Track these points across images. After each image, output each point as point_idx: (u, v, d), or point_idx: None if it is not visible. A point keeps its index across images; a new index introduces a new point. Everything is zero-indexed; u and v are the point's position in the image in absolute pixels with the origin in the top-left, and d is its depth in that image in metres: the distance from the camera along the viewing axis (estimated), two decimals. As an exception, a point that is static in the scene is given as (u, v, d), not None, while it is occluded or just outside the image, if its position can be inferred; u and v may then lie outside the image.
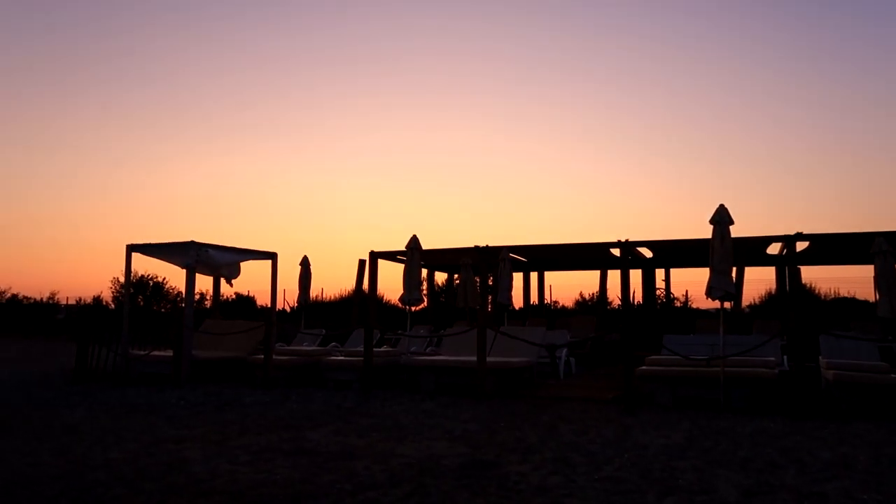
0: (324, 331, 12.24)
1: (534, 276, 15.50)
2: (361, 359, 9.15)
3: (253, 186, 31.82)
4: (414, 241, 9.58)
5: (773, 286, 14.78)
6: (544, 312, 15.18)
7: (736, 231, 7.19)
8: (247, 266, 10.60)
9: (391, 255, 10.82)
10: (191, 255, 8.91)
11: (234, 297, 22.84)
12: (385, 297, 19.06)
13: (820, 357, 7.89)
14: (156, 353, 9.53)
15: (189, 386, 8.64)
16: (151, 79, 27.62)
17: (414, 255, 9.53)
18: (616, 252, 11.23)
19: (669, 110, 26.86)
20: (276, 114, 29.44)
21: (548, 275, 15.52)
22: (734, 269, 7.23)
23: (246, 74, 28.17)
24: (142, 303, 22.96)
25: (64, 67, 27.33)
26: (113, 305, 24.30)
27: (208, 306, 23.40)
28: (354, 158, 30.89)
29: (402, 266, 10.26)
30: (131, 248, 9.67)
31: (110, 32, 25.86)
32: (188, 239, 9.12)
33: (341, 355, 10.28)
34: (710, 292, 6.83)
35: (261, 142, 30.11)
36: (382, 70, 27.83)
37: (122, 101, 28.55)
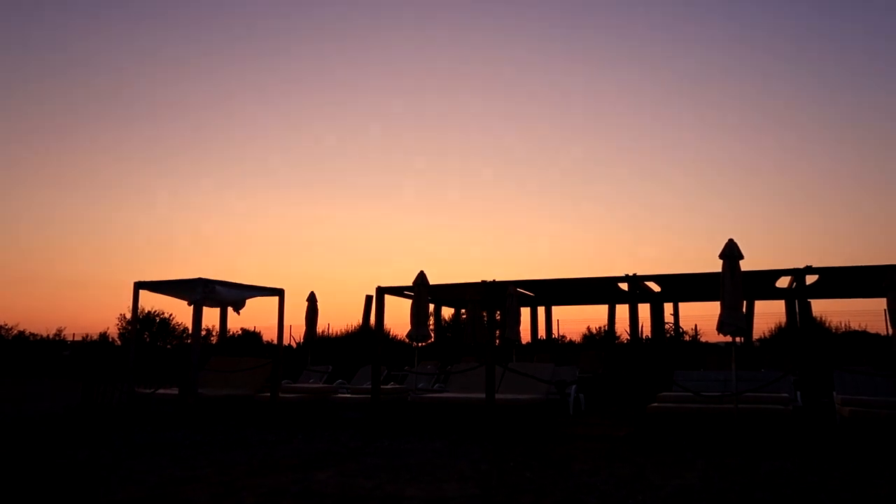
0: (330, 367, 12.17)
1: (541, 310, 15.43)
2: (368, 396, 9.07)
3: (258, 221, 32.05)
4: (421, 277, 9.57)
5: (783, 319, 14.64)
6: (552, 348, 15.06)
7: (745, 265, 7.15)
8: (252, 301, 10.60)
9: (398, 291, 10.79)
10: (198, 291, 8.92)
11: (239, 332, 22.81)
12: (392, 333, 19.01)
13: (834, 393, 7.77)
14: (162, 390, 9.46)
15: (195, 425, 8.56)
16: (157, 114, 28.08)
17: (421, 291, 9.51)
18: (624, 286, 11.18)
19: (676, 143, 27.01)
20: (280, 149, 29.79)
21: (555, 309, 15.46)
22: (744, 302, 7.17)
23: (251, 108, 28.61)
24: (148, 339, 22.95)
25: (69, 103, 27.80)
26: (119, 342, 24.29)
27: (214, 342, 23.39)
28: (361, 193, 31.12)
29: (409, 301, 10.23)
30: (139, 286, 9.68)
31: (118, 66, 26.35)
32: (196, 276, 9.14)
33: (348, 393, 10.19)
34: (722, 328, 6.77)
35: (266, 177, 30.42)
36: (388, 104, 28.20)
37: (127, 137, 28.96)
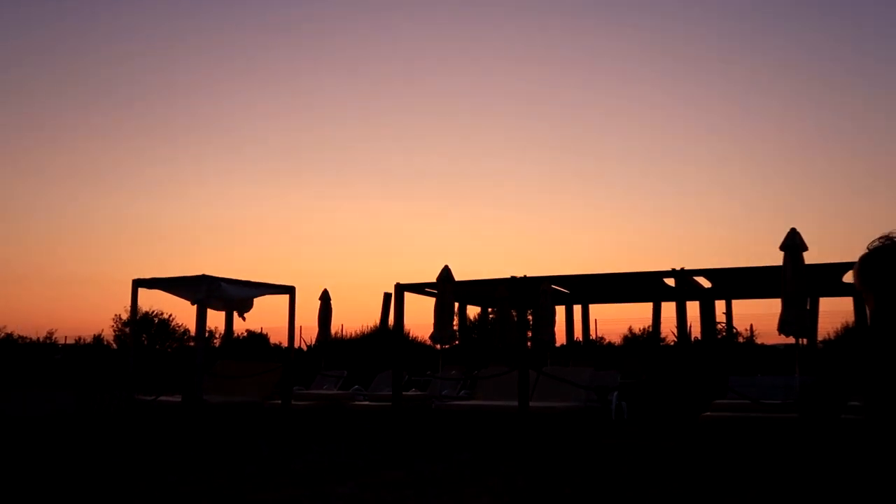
0: (345, 372, 12.26)
1: (577, 309, 15.37)
2: (388, 403, 9.12)
3: (267, 214, 32.34)
4: (445, 273, 9.59)
5: (851, 318, 14.42)
6: (590, 350, 15.02)
7: (809, 257, 7.06)
8: (260, 301, 10.70)
9: (419, 288, 10.83)
10: (202, 289, 9.04)
11: (245, 334, 23.05)
12: (413, 334, 19.07)
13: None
14: (164, 397, 9.62)
15: (201, 434, 8.69)
16: (153, 97, 28.36)
17: (445, 288, 9.53)
18: (670, 282, 11.09)
19: (731, 120, 26.63)
20: (289, 135, 29.98)
21: (593, 308, 15.38)
22: (808, 299, 7.09)
23: (260, 92, 28.79)
24: (146, 342, 23.30)
25: (51, 89, 28.14)
26: (115, 345, 24.70)
27: (217, 345, 23.65)
28: (378, 183, 31.26)
29: (431, 300, 10.26)
30: (138, 284, 9.83)
31: (107, 48, 26.68)
32: (199, 272, 9.26)
33: (366, 400, 10.26)
34: (783, 327, 6.69)
35: (276, 165, 30.65)
36: (410, 94, 28.24)
37: (121, 121, 29.32)
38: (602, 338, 18.33)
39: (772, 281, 9.66)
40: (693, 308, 14.28)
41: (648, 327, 16.77)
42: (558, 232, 30.70)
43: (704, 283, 11.70)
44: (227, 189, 31.14)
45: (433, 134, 29.89)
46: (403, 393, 9.51)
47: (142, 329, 22.98)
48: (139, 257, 32.04)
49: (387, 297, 15.16)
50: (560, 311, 15.12)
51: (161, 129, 29.01)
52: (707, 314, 14.09)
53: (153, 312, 24.41)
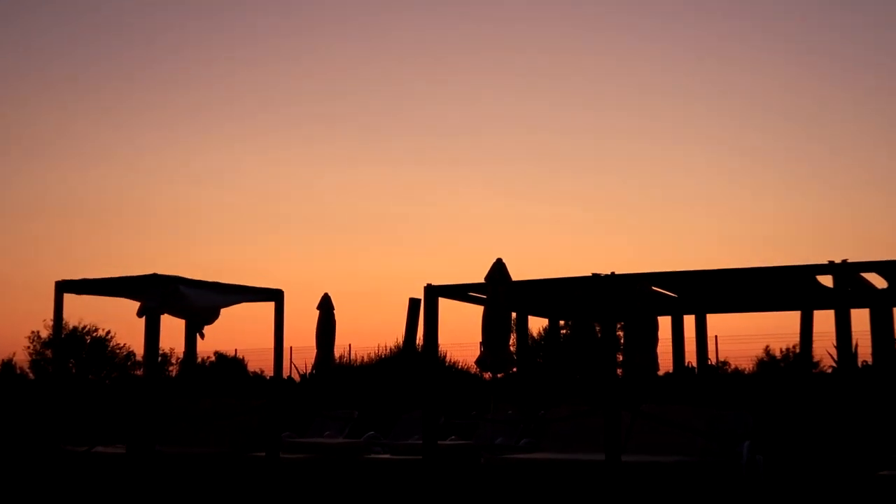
0: (356, 412, 12.32)
1: (689, 321, 15.21)
2: (418, 457, 9.14)
3: (242, 191, 32.67)
4: (499, 269, 9.55)
5: None
6: (709, 380, 14.88)
7: None
8: (234, 313, 10.79)
9: (460, 292, 10.81)
10: (154, 294, 9.13)
11: (212, 358, 23.33)
12: (450, 358, 19.07)
13: None
14: (102, 448, 9.76)
15: (152, 498, 8.81)
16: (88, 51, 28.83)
17: (498, 291, 9.50)
18: (827, 281, 10.90)
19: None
20: (272, 87, 30.26)
21: (713, 320, 15.21)
22: None
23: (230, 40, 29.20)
24: (74, 369, 23.67)
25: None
26: (31, 374, 25.13)
27: (174, 374, 23.90)
28: (400, 154, 31.33)
29: (477, 309, 10.24)
30: (63, 287, 9.97)
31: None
32: (149, 271, 9.37)
33: (385, 451, 10.29)
34: None
35: (251, 125, 30.92)
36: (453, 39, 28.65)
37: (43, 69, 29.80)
38: (726, 362, 18.15)
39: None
40: (861, 318, 14.03)
41: (795, 346, 16.54)
42: (654, 214, 30.53)
43: (878, 281, 11.47)
44: (188, 157, 31.55)
45: (470, 89, 29.97)
46: (439, 442, 9.52)
47: (69, 352, 23.37)
48: (65, 251, 32.62)
49: (414, 304, 15.11)
50: (664, 323, 14.95)
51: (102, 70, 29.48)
52: (881, 327, 13.82)
53: (84, 328, 24.76)
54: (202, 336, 10.73)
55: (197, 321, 10.68)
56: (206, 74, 30.45)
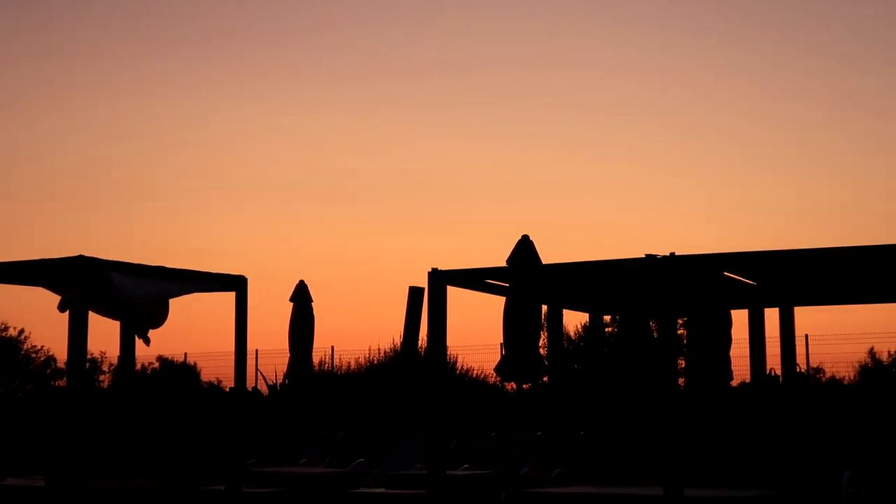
0: (340, 433, 12.37)
1: (771, 315, 15.22)
2: (421, 491, 9.17)
3: (200, 148, 32.58)
4: (524, 251, 9.54)
5: None
6: (797, 392, 14.89)
7: None
8: (184, 306, 10.82)
9: (473, 279, 10.81)
10: (79, 284, 9.17)
11: (155, 365, 23.44)
12: (462, 364, 19.14)
13: None
14: (13, 480, 9.81)
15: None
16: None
17: (525, 278, 9.49)
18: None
19: None
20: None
21: (801, 314, 15.22)
22: None
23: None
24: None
25: None
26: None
27: (106, 384, 24.01)
28: (395, 102, 31.25)
29: (497, 301, 10.25)
30: (-42, 273, 10.03)
31: None
32: (74, 253, 9.40)
33: (379, 485, 10.32)
34: None
35: (209, 63, 30.88)
36: None
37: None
38: (819, 369, 18.15)
39: None
40: None
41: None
42: (727, 181, 30.46)
43: None
44: (122, 105, 31.51)
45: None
46: (448, 472, 9.54)
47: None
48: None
49: (415, 295, 15.12)
50: (740, 319, 14.92)
51: None
52: None
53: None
54: (147, 342, 10.76)
55: (138, 321, 10.71)
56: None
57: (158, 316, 10.69)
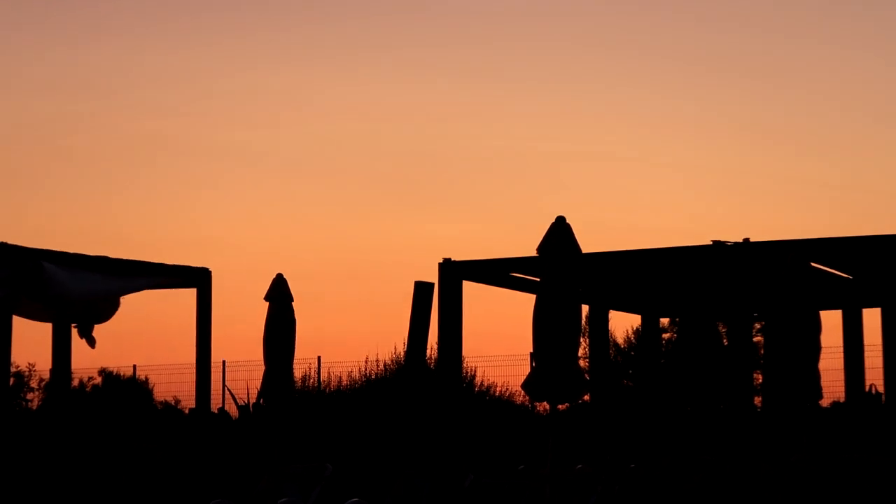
0: (329, 466, 12.44)
1: (870, 317, 15.24)
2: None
3: (156, 115, 32.68)
4: (560, 235, 9.57)
5: None
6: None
7: None
8: (131, 308, 10.88)
9: (494, 271, 10.86)
10: (3, 276, 9.23)
11: (97, 380, 23.51)
12: (481, 378, 19.20)
13: None
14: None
15: None
16: None
17: (560, 271, 9.53)
18: None
19: None
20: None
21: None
22: None
23: None
24: None
25: None
26: None
27: (35, 404, 24.07)
28: (396, 55, 31.30)
29: (526, 299, 10.28)
30: None
31: None
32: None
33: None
34: None
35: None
36: None
37: None
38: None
39: None
40: None
41: None
42: (809, 159, 30.52)
43: None
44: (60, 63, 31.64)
45: None
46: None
47: None
48: None
49: (422, 292, 15.11)
50: (831, 321, 14.88)
51: None
52: None
53: None
54: (92, 343, 10.80)
55: (78, 316, 10.75)
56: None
57: (105, 309, 10.73)
